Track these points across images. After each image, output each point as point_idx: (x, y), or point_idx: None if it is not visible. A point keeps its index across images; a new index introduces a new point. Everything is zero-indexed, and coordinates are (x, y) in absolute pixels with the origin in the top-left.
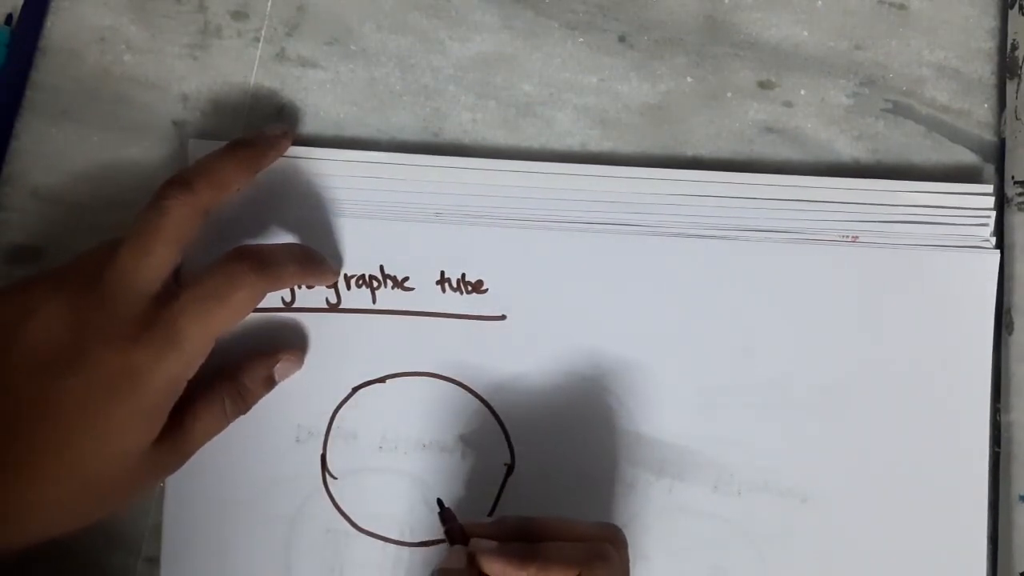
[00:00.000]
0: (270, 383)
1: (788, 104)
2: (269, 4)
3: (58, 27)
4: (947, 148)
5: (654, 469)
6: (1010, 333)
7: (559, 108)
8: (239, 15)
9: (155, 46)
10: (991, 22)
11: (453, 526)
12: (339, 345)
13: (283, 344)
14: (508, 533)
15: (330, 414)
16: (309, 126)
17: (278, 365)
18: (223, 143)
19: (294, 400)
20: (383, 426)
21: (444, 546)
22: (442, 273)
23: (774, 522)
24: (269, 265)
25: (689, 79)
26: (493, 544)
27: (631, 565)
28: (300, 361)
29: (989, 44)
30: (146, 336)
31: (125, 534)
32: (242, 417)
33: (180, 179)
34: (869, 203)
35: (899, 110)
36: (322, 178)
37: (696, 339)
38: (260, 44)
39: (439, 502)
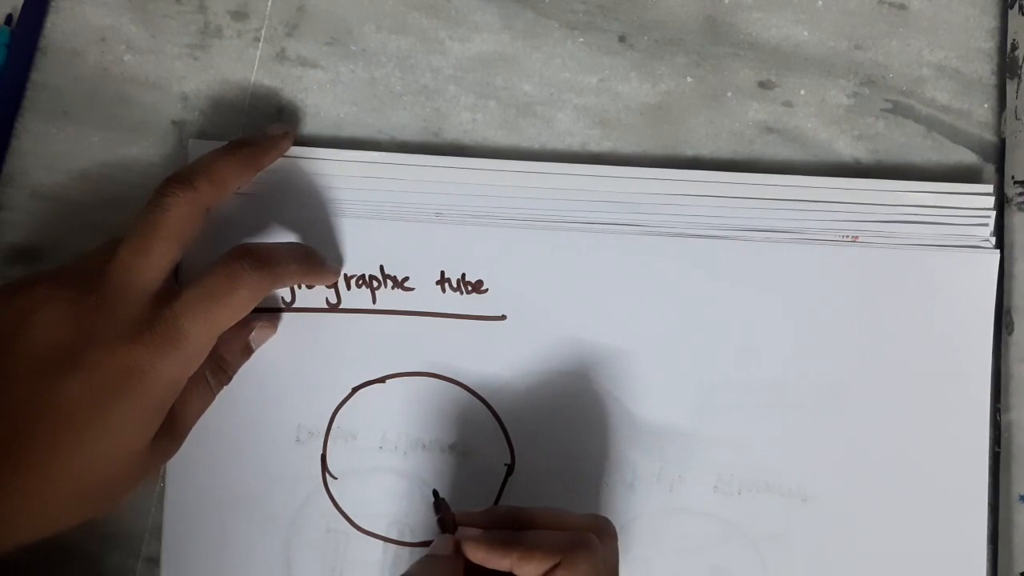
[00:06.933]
0: (248, 351)
1: (788, 104)
2: (269, 4)
3: (58, 27)
4: (947, 148)
5: (654, 469)
6: (1010, 333)
7: (559, 108)
8: (239, 15)
9: (155, 46)
10: (991, 22)
11: (445, 515)
12: (339, 345)
13: (282, 343)
14: (497, 522)
15: (330, 414)
16: (309, 126)
17: (253, 333)
18: (223, 143)
19: (294, 400)
20: (383, 426)
21: None
22: (442, 273)
23: (774, 522)
24: (270, 264)
25: (689, 79)
26: (478, 532)
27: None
28: (274, 327)
29: (989, 44)
30: (148, 336)
31: (125, 534)
32: (242, 417)
33: (180, 177)
34: (869, 203)
35: (899, 110)
36: (322, 178)
37: (696, 339)
38: (260, 44)
39: (435, 492)
